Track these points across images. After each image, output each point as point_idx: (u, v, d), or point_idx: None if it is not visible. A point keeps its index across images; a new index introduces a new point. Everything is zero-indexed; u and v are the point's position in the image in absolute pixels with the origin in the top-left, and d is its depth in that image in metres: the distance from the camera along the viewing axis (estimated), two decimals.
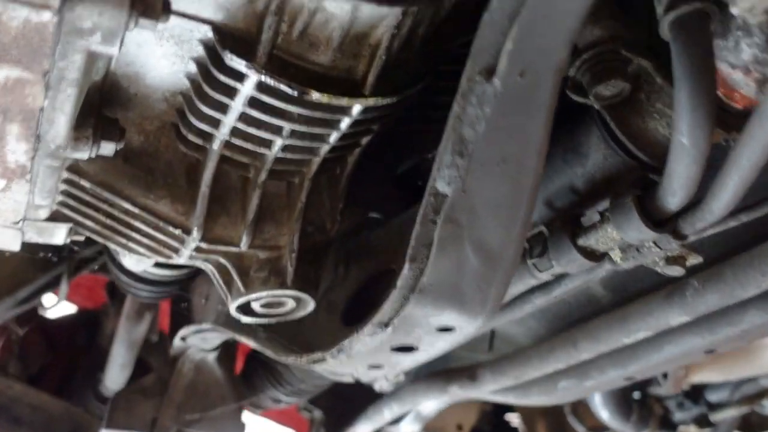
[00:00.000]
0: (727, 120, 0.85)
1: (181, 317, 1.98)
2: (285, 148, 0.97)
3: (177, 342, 1.70)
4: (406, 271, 0.87)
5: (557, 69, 0.70)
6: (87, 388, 2.42)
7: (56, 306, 2.10)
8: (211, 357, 1.77)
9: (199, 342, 1.69)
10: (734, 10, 0.76)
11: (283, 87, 0.85)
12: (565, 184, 1.03)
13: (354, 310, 1.25)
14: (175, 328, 1.91)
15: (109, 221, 1.04)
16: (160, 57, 0.88)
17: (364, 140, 1.05)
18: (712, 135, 0.76)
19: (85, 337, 2.68)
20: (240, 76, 0.85)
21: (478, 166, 0.77)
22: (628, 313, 1.25)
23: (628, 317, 1.25)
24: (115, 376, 2.18)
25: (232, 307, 1.11)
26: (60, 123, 0.85)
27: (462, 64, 0.98)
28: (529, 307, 1.19)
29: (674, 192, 0.85)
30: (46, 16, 0.68)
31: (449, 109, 1.20)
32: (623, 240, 0.94)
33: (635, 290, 1.28)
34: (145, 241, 1.06)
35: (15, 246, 1.14)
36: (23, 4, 0.66)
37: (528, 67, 0.69)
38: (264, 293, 1.08)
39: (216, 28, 0.83)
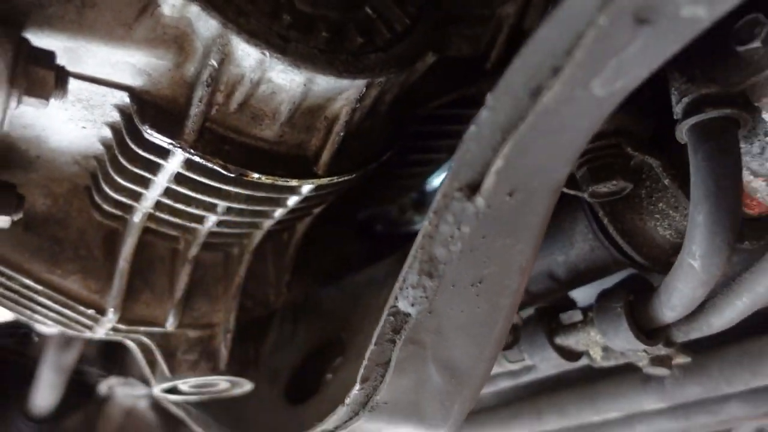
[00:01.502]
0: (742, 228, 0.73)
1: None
2: (221, 223, 0.82)
3: (103, 389, 1.53)
4: (356, 390, 0.74)
5: (554, 189, 0.57)
6: (13, 403, 2.24)
7: None
8: (144, 403, 1.61)
9: (128, 390, 1.53)
10: (766, 116, 0.63)
11: (216, 167, 0.69)
12: (544, 270, 0.91)
13: (298, 383, 1.11)
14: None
15: (8, 294, 0.87)
16: (66, 120, 0.71)
17: (317, 210, 0.90)
18: (728, 262, 0.64)
19: (15, 345, 2.48)
20: (163, 152, 0.69)
21: (449, 287, 0.63)
22: (600, 391, 1.15)
23: (598, 395, 1.15)
24: (44, 396, 2.01)
25: (156, 390, 0.96)
26: None
27: (437, 126, 0.86)
28: (494, 389, 1.07)
29: (673, 307, 0.73)
30: None
31: (414, 165, 1.07)
32: (606, 344, 0.83)
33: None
34: (52, 315, 0.89)
35: None
36: None
37: (520, 187, 0.55)
38: (192, 379, 0.93)
39: (134, 95, 0.66)
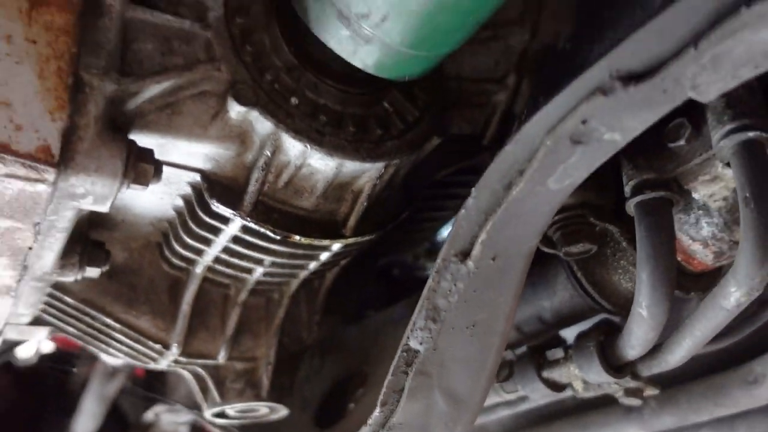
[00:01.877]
0: (685, 282, 0.90)
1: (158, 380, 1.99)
2: (265, 274, 1.01)
3: (149, 416, 1.70)
4: (377, 413, 0.91)
5: (527, 254, 0.75)
6: None
7: (31, 357, 2.10)
8: (184, 429, 1.78)
9: (172, 417, 1.70)
10: (696, 195, 0.81)
11: (267, 231, 0.88)
12: (534, 314, 1.07)
13: (326, 410, 1.28)
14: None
15: (89, 330, 1.06)
16: (149, 193, 0.91)
17: (344, 262, 1.08)
18: (669, 310, 0.80)
19: (56, 378, 2.65)
20: (225, 220, 0.88)
21: (449, 329, 0.81)
22: (589, 421, 1.30)
23: (588, 425, 1.30)
24: (85, 426, 2.18)
25: (207, 414, 1.14)
26: (47, 258, 0.87)
27: (443, 190, 1.03)
28: (495, 418, 1.23)
29: (633, 347, 0.89)
30: (41, 188, 0.71)
31: (425, 221, 1.25)
32: (584, 377, 0.99)
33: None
34: (124, 349, 1.08)
35: None
36: (18, 179, 0.69)
37: (500, 253, 0.73)
38: (238, 405, 1.10)
39: (205, 176, 0.86)
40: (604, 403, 1.30)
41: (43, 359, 2.72)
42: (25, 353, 2.14)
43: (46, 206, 0.74)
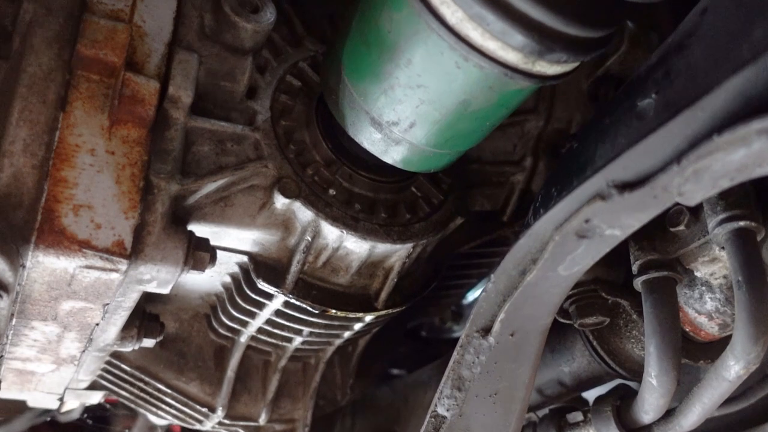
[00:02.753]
0: (693, 351, 0.97)
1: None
2: (303, 342, 1.10)
3: None
4: None
5: (542, 330, 0.83)
6: None
7: (73, 412, 2.20)
8: None
9: None
10: (698, 274, 0.89)
11: (306, 306, 0.98)
12: (554, 377, 1.14)
13: None
14: None
15: (142, 395, 1.15)
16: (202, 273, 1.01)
17: (376, 329, 1.17)
18: (677, 379, 0.87)
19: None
20: (269, 296, 0.98)
21: (474, 397, 0.89)
22: None
23: None
24: None
25: None
26: (111, 332, 0.97)
27: (468, 261, 1.11)
28: None
29: (647, 412, 0.96)
30: (114, 276, 0.81)
31: (451, 288, 1.34)
32: None
33: None
34: (173, 412, 1.17)
35: (53, 406, 1.26)
36: (96, 269, 0.79)
37: (518, 330, 0.81)
38: None
39: (252, 257, 0.96)
40: None
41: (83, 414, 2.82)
42: (69, 409, 2.24)
43: (117, 290, 0.84)
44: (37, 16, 0.79)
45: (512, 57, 0.70)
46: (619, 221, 0.68)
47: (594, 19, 0.68)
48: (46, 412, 2.07)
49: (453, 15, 0.68)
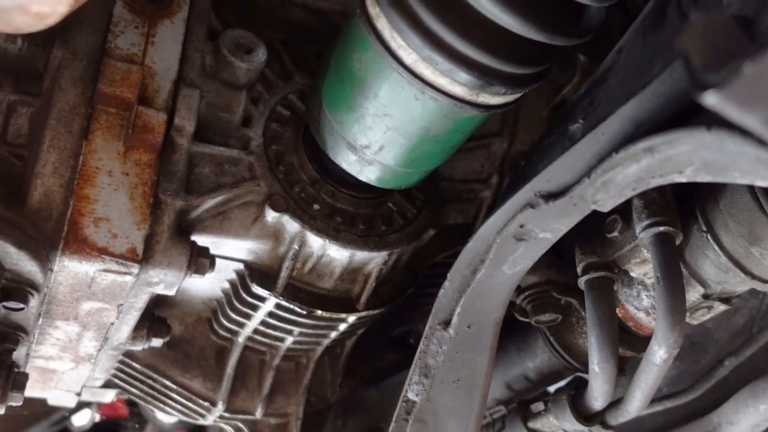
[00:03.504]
0: (636, 344, 1.09)
1: None
2: (294, 342, 1.23)
3: None
4: None
5: (495, 323, 0.96)
6: None
7: (85, 425, 2.32)
8: None
9: None
10: (633, 274, 1.02)
11: (295, 307, 1.11)
12: (521, 373, 1.27)
13: None
14: None
15: (150, 391, 1.28)
16: (203, 279, 1.15)
17: (360, 331, 1.30)
18: (616, 366, 1.00)
19: None
20: (262, 299, 1.11)
21: (439, 383, 1.01)
22: None
23: None
24: None
25: None
26: (124, 331, 1.11)
27: (444, 270, 1.25)
28: None
29: (596, 398, 1.08)
30: (127, 278, 0.95)
31: (431, 296, 1.46)
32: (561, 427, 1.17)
33: None
34: (178, 407, 1.30)
35: (71, 404, 1.39)
36: (112, 272, 0.93)
37: (473, 322, 0.95)
38: None
39: (247, 265, 1.10)
40: None
41: (90, 429, 2.94)
42: (80, 421, 2.36)
43: (129, 291, 0.98)
44: (64, 60, 0.94)
45: (459, 90, 0.84)
46: (548, 225, 0.82)
47: (526, 59, 0.83)
48: (60, 422, 2.19)
49: (408, 56, 0.82)
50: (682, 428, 1.29)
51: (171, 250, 0.95)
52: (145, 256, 0.93)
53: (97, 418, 2.86)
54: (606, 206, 0.77)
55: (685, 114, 0.69)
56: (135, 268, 0.93)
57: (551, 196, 0.78)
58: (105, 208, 0.90)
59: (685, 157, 0.66)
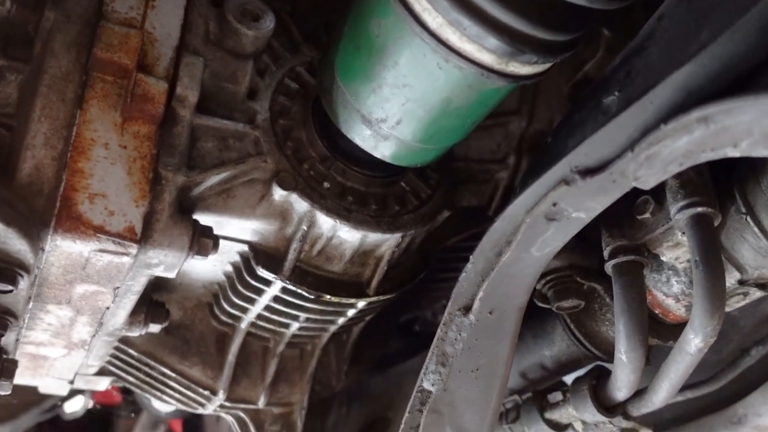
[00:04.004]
0: (663, 332, 1.04)
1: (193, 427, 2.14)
2: (300, 328, 1.17)
3: None
4: None
5: (519, 308, 0.90)
6: None
7: (77, 411, 2.26)
8: None
9: None
10: (664, 258, 0.96)
11: (302, 292, 1.05)
12: (536, 361, 1.21)
13: None
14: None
15: (147, 379, 1.22)
16: (204, 261, 1.08)
17: (368, 317, 1.24)
18: (645, 355, 0.94)
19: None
20: (267, 282, 1.05)
21: (457, 372, 0.95)
22: None
23: None
24: None
25: None
26: (120, 316, 1.04)
27: (456, 254, 1.19)
28: None
29: (620, 389, 1.03)
30: (125, 259, 0.88)
31: (441, 282, 1.41)
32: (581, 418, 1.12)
33: None
34: (176, 396, 1.24)
35: (63, 392, 1.33)
36: (108, 253, 0.86)
37: (496, 308, 0.89)
38: None
39: (252, 246, 1.03)
40: None
41: (83, 415, 2.88)
42: (72, 408, 2.30)
43: (127, 274, 0.92)
44: (57, 23, 0.86)
45: (487, 58, 0.77)
46: (583, 204, 0.76)
47: (561, 24, 0.76)
48: (51, 409, 2.13)
49: (434, 20, 0.76)
50: (704, 419, 1.24)
51: (172, 229, 0.89)
52: (143, 236, 0.86)
53: (91, 405, 2.81)
54: (648, 183, 0.71)
55: (738, 82, 0.63)
56: (133, 249, 0.86)
57: (589, 172, 0.72)
58: (101, 184, 0.84)
59: (744, 128, 0.60)
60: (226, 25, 0.94)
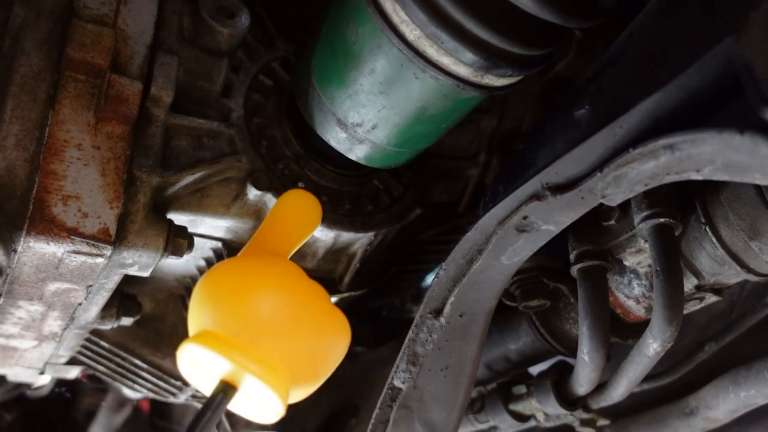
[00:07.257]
0: (623, 331, 1.08)
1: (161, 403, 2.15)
2: None
3: None
4: None
5: (488, 312, 0.93)
6: None
7: (44, 387, 2.25)
8: None
9: None
10: (626, 263, 1.00)
11: None
12: (502, 354, 1.25)
13: None
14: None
15: (119, 369, 1.23)
16: None
17: None
18: (606, 355, 0.98)
19: (60, 410, 2.78)
20: None
21: (427, 371, 0.98)
22: None
23: None
24: None
25: None
26: (92, 311, 1.05)
27: (426, 247, 1.21)
28: None
29: (581, 385, 1.07)
30: (99, 260, 0.88)
31: (411, 273, 1.43)
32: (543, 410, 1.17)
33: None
34: (148, 386, 1.25)
35: (33, 381, 1.32)
36: (82, 254, 0.86)
37: (465, 311, 0.91)
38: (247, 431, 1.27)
39: (225, 243, 1.04)
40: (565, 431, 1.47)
41: (46, 391, 2.86)
42: (38, 383, 2.29)
43: (100, 273, 0.92)
44: (27, 20, 0.85)
45: (463, 71, 0.78)
46: (552, 218, 0.78)
47: (536, 40, 0.78)
48: (17, 387, 2.12)
49: (411, 33, 0.76)
50: (658, 409, 1.30)
51: (146, 230, 0.89)
52: (118, 237, 0.86)
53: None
54: (615, 201, 0.74)
55: (702, 111, 0.66)
56: (107, 250, 0.86)
57: (559, 189, 0.74)
58: (74, 185, 0.83)
59: (707, 157, 0.62)
60: (201, 23, 0.93)
